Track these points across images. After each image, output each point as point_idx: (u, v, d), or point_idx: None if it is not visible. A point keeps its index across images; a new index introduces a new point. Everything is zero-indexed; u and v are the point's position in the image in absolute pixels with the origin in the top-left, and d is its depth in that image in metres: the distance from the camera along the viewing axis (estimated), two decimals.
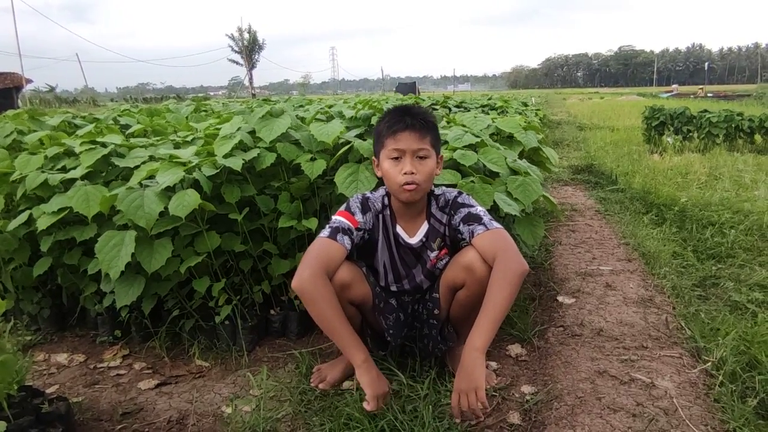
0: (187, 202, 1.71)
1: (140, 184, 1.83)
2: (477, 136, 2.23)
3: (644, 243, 3.05)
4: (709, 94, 27.52)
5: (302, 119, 2.43)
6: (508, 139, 2.56)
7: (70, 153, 2.19)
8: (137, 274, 1.84)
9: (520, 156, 2.44)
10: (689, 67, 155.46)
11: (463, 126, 2.42)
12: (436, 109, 4.89)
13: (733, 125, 7.05)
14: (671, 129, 7.53)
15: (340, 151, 1.98)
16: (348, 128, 2.30)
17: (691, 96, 26.13)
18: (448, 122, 2.76)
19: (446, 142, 2.18)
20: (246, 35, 62.26)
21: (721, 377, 1.64)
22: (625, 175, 5.22)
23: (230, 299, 1.99)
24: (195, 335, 2.03)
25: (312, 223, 1.91)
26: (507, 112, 5.12)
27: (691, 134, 7.38)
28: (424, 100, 5.81)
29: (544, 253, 3.00)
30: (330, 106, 3.50)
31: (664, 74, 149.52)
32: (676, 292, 2.40)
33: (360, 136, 2.19)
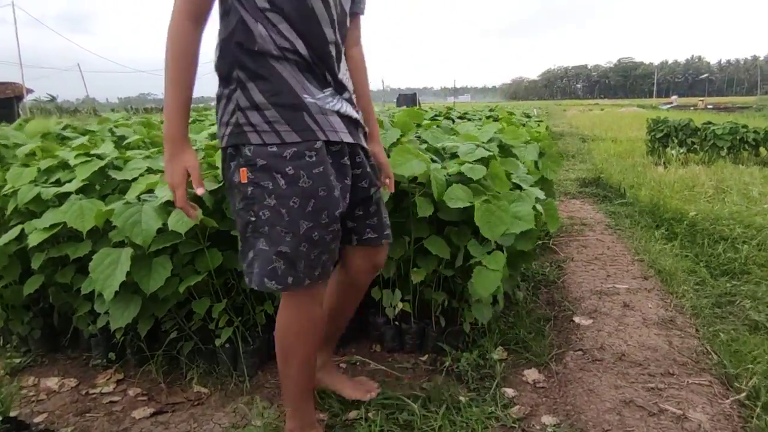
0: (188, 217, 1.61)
1: (138, 198, 1.73)
2: (489, 150, 2.14)
3: (658, 260, 2.95)
4: (708, 106, 27.57)
5: None
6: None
7: (64, 165, 2.09)
8: (133, 294, 1.73)
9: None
10: (688, 79, 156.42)
11: (472, 138, 2.33)
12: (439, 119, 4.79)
13: (738, 137, 6.97)
14: (675, 141, 7.46)
15: None
16: None
17: (691, 108, 26.16)
18: (454, 133, 2.68)
19: (456, 155, 2.10)
20: None
21: (758, 409, 1.54)
22: (631, 187, 5.13)
23: (231, 321, 1.88)
24: (194, 359, 1.92)
25: None
26: (513, 123, 5.03)
27: (695, 146, 7.31)
28: (425, 111, 5.75)
29: (556, 270, 2.90)
30: None
31: (663, 86, 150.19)
32: (696, 312, 2.30)
33: None
